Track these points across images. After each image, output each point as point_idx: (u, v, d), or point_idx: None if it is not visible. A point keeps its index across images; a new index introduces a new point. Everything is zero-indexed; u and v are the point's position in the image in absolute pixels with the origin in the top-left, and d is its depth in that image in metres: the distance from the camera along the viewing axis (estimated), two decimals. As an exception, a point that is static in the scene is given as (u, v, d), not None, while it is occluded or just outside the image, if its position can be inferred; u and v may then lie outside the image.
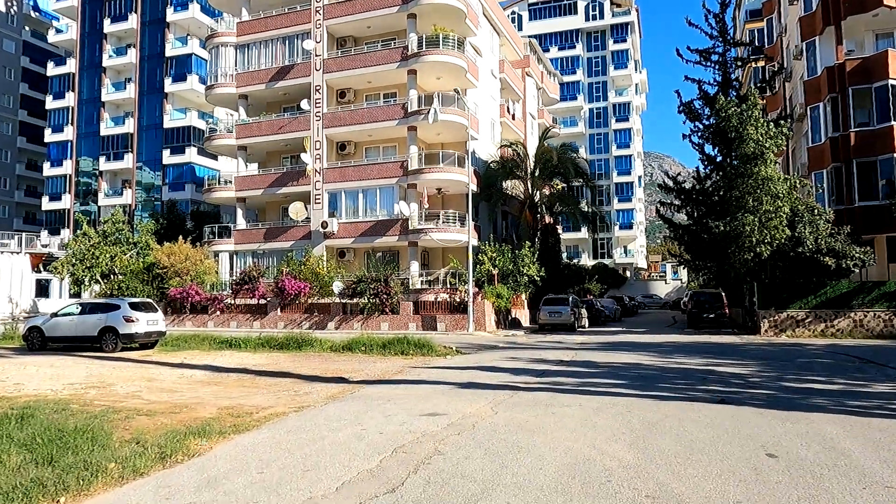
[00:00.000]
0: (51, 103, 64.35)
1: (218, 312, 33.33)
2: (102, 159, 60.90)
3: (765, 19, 45.49)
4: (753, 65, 41.91)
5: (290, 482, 5.79)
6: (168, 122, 58.53)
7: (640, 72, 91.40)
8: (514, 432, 7.67)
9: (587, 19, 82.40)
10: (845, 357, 17.12)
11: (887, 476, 5.81)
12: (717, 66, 34.60)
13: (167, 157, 58.33)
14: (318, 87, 36.81)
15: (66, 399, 10.55)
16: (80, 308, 20.51)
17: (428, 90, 35.83)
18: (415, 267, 33.94)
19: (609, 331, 31.27)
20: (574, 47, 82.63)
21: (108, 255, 35.47)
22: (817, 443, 7.04)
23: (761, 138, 25.83)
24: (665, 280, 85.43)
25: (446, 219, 34.08)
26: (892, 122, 28.40)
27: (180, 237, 36.75)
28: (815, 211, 26.37)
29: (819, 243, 25.46)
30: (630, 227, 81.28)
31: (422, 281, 33.73)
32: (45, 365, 15.84)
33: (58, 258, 39.87)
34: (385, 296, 29.87)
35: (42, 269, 41.77)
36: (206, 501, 5.35)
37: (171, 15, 58.88)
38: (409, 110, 34.38)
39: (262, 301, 32.75)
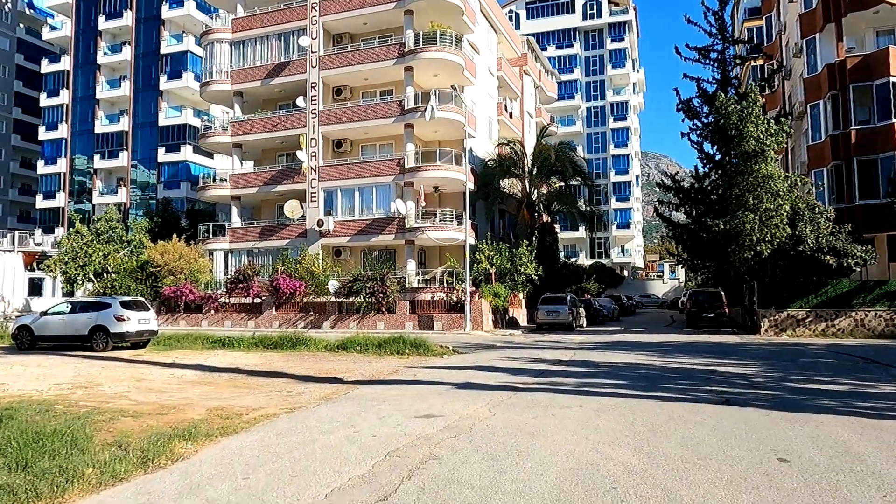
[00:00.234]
0: (45, 101, 63.86)
1: (212, 311, 32.97)
2: (97, 157, 60.48)
3: (763, 17, 45.26)
4: (752, 63, 41.65)
5: (277, 489, 5.47)
6: (163, 120, 58.14)
7: (638, 71, 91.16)
8: (513, 435, 7.37)
9: (585, 18, 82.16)
10: (848, 357, 16.86)
11: (906, 482, 5.52)
12: (715, 64, 34.36)
13: (162, 155, 57.94)
14: (314, 85, 36.47)
15: (50, 400, 10.24)
16: (70, 307, 20.15)
17: (425, 87, 35.52)
18: (411, 266, 33.62)
19: (607, 330, 30.99)
20: (572, 46, 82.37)
21: (101, 254, 35.13)
22: (829, 446, 6.75)
23: (762, 135, 25.56)
24: (662, 279, 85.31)
25: (443, 217, 33.78)
26: (894, 120, 28.15)
27: (174, 235, 36.40)
28: (816, 209, 26.09)
29: (820, 242, 25.20)
30: (628, 226, 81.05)
31: (418, 280, 33.44)
32: (32, 364, 15.52)
33: (51, 256, 39.48)
34: (381, 295, 29.56)
35: (35, 267, 41.37)
36: (187, 510, 5.04)
37: (166, 12, 58.49)
38: (406, 108, 34.06)
39: (257, 300, 32.42)
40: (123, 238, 38.71)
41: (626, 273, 79.25)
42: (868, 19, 30.33)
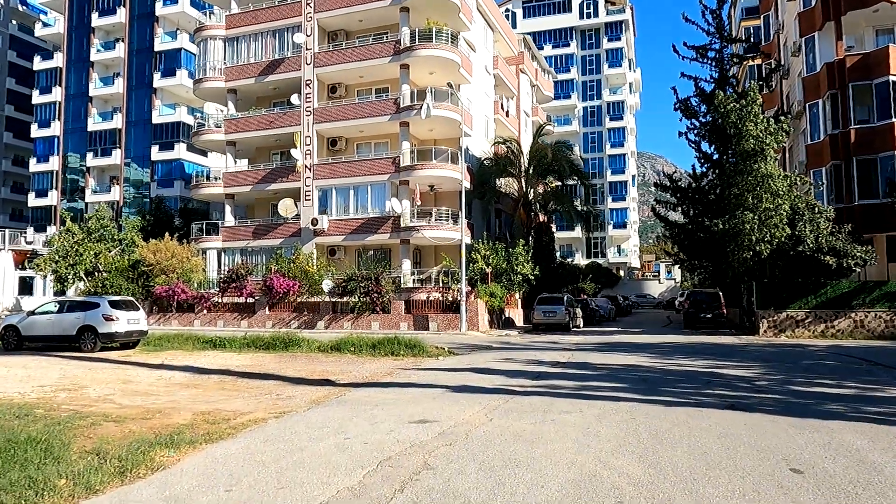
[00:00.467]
0: (37, 98, 63.27)
1: (205, 311, 32.55)
2: (90, 155, 59.95)
3: (761, 17, 44.99)
4: (750, 62, 41.43)
5: (261, 503, 5.13)
6: (157, 118, 57.65)
7: (634, 70, 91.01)
8: (511, 443, 7.04)
9: (581, 17, 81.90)
10: (850, 359, 16.60)
11: (928, 495, 5.21)
12: (713, 63, 34.09)
13: (156, 154, 57.44)
14: (308, 82, 36.08)
15: (31, 403, 9.89)
16: (57, 306, 19.75)
17: (421, 85, 35.18)
18: (406, 265, 33.27)
19: (605, 331, 30.70)
20: (568, 45, 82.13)
21: (92, 253, 34.70)
22: (843, 456, 6.43)
23: (761, 134, 25.29)
24: (659, 280, 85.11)
25: (439, 216, 33.43)
26: (893, 119, 27.90)
27: (167, 234, 35.96)
28: (816, 209, 25.82)
29: (820, 242, 24.93)
30: (624, 226, 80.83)
31: (414, 279, 33.08)
32: (17, 366, 15.14)
33: (41, 255, 39.03)
34: (376, 295, 29.20)
35: (26, 266, 40.93)
36: (162, 527, 4.69)
37: (160, 9, 57.99)
38: (402, 105, 33.70)
39: (251, 300, 32.01)
40: (115, 237, 38.27)
41: (622, 273, 79.01)
42: (868, 17, 30.09)
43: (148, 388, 11.67)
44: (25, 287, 40.01)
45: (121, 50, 59.35)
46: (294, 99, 36.00)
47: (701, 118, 33.56)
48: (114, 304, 19.17)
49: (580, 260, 74.01)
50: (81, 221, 41.18)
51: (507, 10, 79.95)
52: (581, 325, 33.90)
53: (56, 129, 61.78)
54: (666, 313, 54.22)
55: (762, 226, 24.84)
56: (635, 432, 7.54)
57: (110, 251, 36.20)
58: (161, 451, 6.71)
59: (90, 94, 60.14)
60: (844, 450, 6.67)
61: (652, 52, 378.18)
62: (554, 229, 47.22)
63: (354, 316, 29.62)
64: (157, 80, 57.47)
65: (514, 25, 75.98)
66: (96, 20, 60.12)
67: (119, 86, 59.26)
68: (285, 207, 35.41)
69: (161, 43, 57.81)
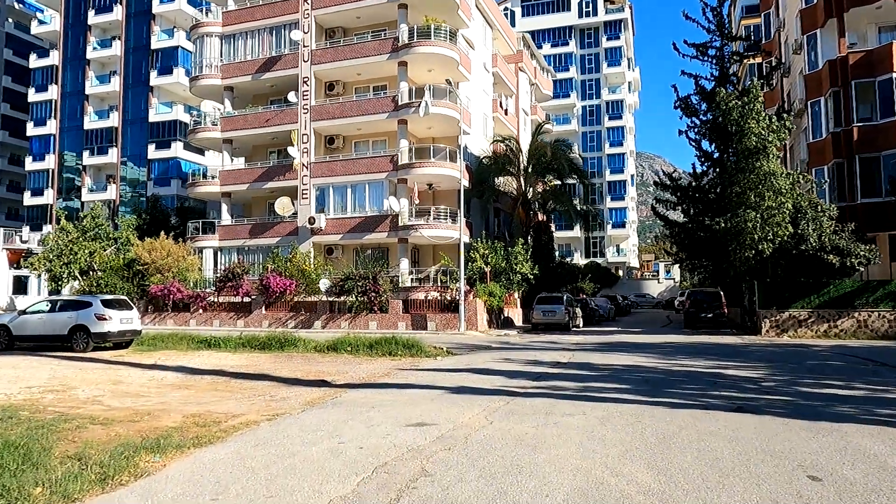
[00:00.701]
0: (33, 96, 62.75)
1: (200, 310, 32.22)
2: (86, 154, 59.49)
3: (762, 15, 44.74)
4: (751, 60, 41.16)
5: (248, 513, 4.83)
6: (154, 116, 57.21)
7: (634, 69, 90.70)
8: (513, 447, 6.73)
9: (580, 16, 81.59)
10: (855, 359, 16.33)
11: (956, 505, 4.91)
12: (714, 61, 33.90)
13: (153, 152, 57.01)
14: (305, 79, 35.75)
15: (17, 405, 9.58)
16: (49, 305, 19.46)
17: (419, 83, 34.85)
18: (405, 264, 32.95)
19: (604, 330, 30.41)
20: (567, 44, 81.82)
21: (86, 251, 34.34)
22: (862, 461, 6.13)
23: (763, 132, 25.02)
24: (658, 279, 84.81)
25: (437, 215, 33.12)
26: (896, 117, 27.65)
27: (162, 233, 35.62)
28: (819, 207, 25.52)
29: (823, 241, 24.63)
30: (623, 225, 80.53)
31: (412, 279, 32.76)
32: (6, 366, 14.82)
33: (37, 254, 38.66)
34: (373, 294, 28.90)
35: (21, 265, 40.57)
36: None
37: (156, 6, 57.55)
38: (400, 103, 33.37)
39: (247, 299, 31.69)
40: (110, 235, 37.91)
41: (621, 273, 78.78)
42: (870, 15, 29.83)
43: (139, 390, 11.36)
44: (20, 286, 39.67)
45: (117, 48, 58.91)
46: (291, 96, 35.66)
47: (701, 116, 33.40)
48: (106, 304, 18.86)
49: (579, 259, 73.72)
50: (77, 220, 40.85)
51: (505, 8, 79.59)
52: (580, 325, 33.63)
53: (52, 127, 61.30)
54: (665, 313, 54.00)
55: (765, 224, 24.56)
56: (642, 436, 7.24)
57: (105, 250, 35.84)
58: (146, 456, 6.40)
59: (86, 93, 59.68)
60: (862, 455, 6.37)
61: (651, 51, 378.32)
62: (553, 228, 46.93)
63: (352, 315, 29.31)
64: (154, 78, 57.03)
65: (512, 24, 75.64)
66: (93, 18, 59.66)
67: (115, 84, 58.82)
68: (282, 206, 35.09)
69: (158, 41, 57.37)
